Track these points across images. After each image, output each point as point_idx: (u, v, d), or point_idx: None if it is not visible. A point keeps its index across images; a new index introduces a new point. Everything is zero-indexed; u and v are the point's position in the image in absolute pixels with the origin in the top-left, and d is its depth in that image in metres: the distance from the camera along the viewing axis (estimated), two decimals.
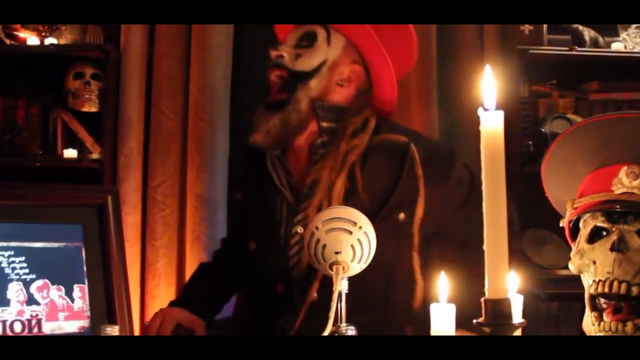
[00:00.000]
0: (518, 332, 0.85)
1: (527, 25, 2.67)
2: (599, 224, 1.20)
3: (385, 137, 1.62)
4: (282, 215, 1.64)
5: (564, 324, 2.58)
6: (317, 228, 1.19)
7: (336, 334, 1.12)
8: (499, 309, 0.75)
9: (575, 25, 2.76)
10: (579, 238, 1.25)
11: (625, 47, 2.75)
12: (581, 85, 2.84)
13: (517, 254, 2.61)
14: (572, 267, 1.24)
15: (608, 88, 2.79)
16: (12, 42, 2.85)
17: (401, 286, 1.61)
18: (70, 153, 2.77)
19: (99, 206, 1.73)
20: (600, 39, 2.79)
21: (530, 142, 2.73)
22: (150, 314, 2.71)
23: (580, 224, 1.25)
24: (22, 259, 1.59)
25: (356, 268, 1.19)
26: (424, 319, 1.07)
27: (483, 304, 0.76)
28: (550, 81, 2.85)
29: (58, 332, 1.57)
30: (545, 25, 2.69)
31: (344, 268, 1.17)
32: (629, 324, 1.13)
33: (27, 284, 1.58)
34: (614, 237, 1.17)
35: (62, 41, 2.85)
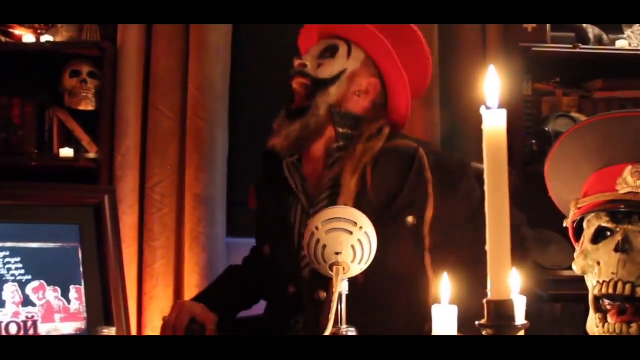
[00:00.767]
0: (521, 334, 0.85)
1: None
2: (603, 224, 1.20)
3: (397, 142, 1.71)
4: (296, 219, 1.69)
5: (568, 326, 2.58)
6: (317, 228, 1.19)
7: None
8: (502, 310, 0.75)
9: None
10: (582, 238, 1.25)
11: (630, 45, 2.75)
12: (585, 84, 2.84)
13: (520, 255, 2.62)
14: (576, 268, 1.24)
15: (612, 86, 2.79)
16: (8, 39, 2.85)
17: (416, 285, 1.61)
18: (67, 152, 2.77)
19: (95, 206, 1.73)
20: (605, 37, 2.79)
21: (534, 141, 2.73)
22: (147, 316, 2.72)
23: (584, 224, 1.25)
24: (18, 259, 1.59)
25: (357, 269, 1.19)
26: None
27: (485, 305, 0.76)
28: (554, 79, 2.85)
29: (54, 334, 1.57)
30: None
31: (344, 269, 1.17)
32: (634, 326, 1.13)
33: (22, 285, 1.58)
34: (619, 237, 1.17)
35: (59, 39, 2.85)
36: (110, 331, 1.25)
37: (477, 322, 0.78)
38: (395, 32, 1.75)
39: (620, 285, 1.14)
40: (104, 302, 1.66)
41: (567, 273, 2.61)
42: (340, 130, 1.71)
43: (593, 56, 2.72)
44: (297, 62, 1.72)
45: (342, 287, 1.16)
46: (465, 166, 1.72)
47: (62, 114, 2.83)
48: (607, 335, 1.15)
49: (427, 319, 1.59)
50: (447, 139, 2.78)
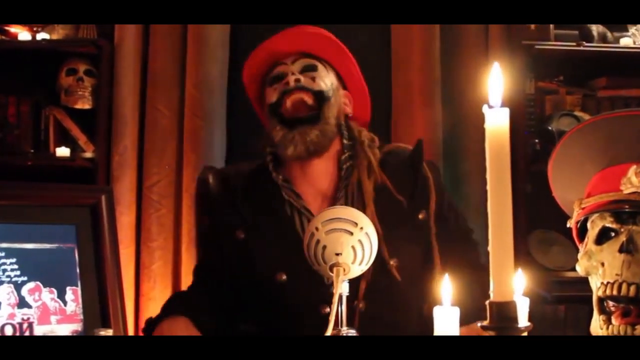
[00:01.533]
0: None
1: None
2: (607, 225, 1.20)
3: (389, 147, 1.83)
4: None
5: (571, 328, 2.58)
6: (317, 229, 1.19)
7: None
8: (505, 311, 0.75)
9: None
10: (586, 239, 1.24)
11: (634, 43, 2.75)
12: (589, 82, 2.84)
13: (523, 256, 2.62)
14: (580, 269, 1.24)
15: (616, 84, 2.79)
16: (3, 37, 2.85)
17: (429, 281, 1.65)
18: (63, 151, 2.77)
19: (92, 206, 1.73)
20: (609, 34, 2.79)
21: (537, 141, 2.73)
22: (145, 318, 2.72)
23: (588, 225, 1.25)
24: (14, 260, 1.59)
25: (357, 270, 1.19)
26: None
27: (488, 306, 0.76)
28: (557, 77, 2.85)
29: None
30: None
31: (344, 270, 1.17)
32: (638, 328, 1.13)
33: (18, 287, 1.58)
34: (623, 238, 1.17)
35: (55, 36, 2.85)
36: (107, 333, 1.25)
37: (479, 324, 0.78)
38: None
39: (624, 286, 1.13)
40: (100, 303, 1.66)
41: (570, 274, 2.61)
42: (345, 141, 1.76)
43: (597, 54, 2.72)
44: (291, 78, 1.73)
45: (342, 289, 1.16)
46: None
47: (59, 113, 2.83)
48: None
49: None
50: (448, 138, 2.78)
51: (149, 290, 2.73)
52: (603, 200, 1.21)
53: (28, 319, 1.56)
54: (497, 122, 0.76)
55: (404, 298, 1.64)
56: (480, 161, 2.59)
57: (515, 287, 1.05)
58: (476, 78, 2.63)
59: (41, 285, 1.60)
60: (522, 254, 2.62)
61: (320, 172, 1.75)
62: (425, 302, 1.66)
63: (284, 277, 1.61)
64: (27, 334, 1.55)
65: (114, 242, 1.74)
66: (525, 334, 0.79)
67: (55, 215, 1.69)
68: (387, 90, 2.80)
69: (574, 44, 2.68)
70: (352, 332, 1.15)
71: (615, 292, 1.14)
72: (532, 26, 2.68)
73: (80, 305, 1.63)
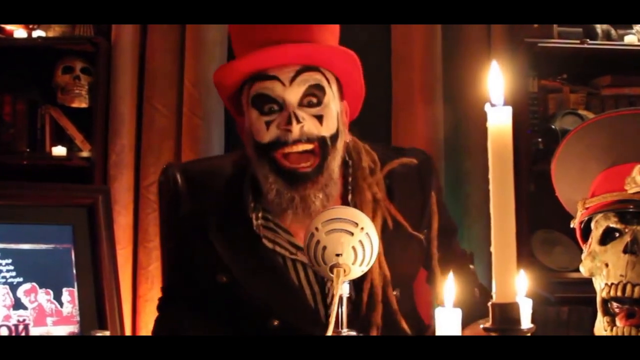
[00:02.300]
0: None
1: None
2: (611, 225, 1.20)
3: (395, 165, 1.57)
4: (301, 280, 1.51)
5: (575, 329, 2.58)
6: (317, 229, 1.19)
7: None
8: (507, 313, 0.75)
9: None
10: (590, 239, 1.25)
11: (639, 40, 2.75)
12: (593, 80, 2.85)
13: (526, 256, 2.63)
14: (584, 270, 1.24)
15: (621, 83, 2.80)
16: None
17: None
18: (59, 151, 2.77)
19: (89, 206, 1.73)
20: (613, 32, 2.79)
21: (540, 140, 2.73)
22: (142, 319, 2.72)
23: (592, 225, 1.25)
24: (9, 261, 1.58)
25: (358, 271, 1.19)
26: None
27: (490, 308, 0.76)
28: (561, 75, 2.85)
29: None
30: None
31: (345, 271, 1.16)
32: None
33: (14, 288, 1.57)
34: (627, 238, 1.17)
35: (51, 34, 2.85)
36: (104, 335, 1.25)
37: (481, 326, 0.78)
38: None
39: (629, 287, 1.13)
40: (97, 305, 1.66)
41: (574, 275, 2.61)
42: (350, 179, 1.54)
43: (601, 52, 2.73)
44: (295, 127, 1.40)
45: (342, 290, 1.16)
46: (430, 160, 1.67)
47: (55, 112, 2.83)
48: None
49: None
50: (450, 137, 2.78)
51: (146, 291, 2.73)
52: (607, 200, 1.21)
53: (24, 320, 1.56)
54: (499, 120, 0.76)
55: (401, 328, 1.52)
56: (483, 160, 2.59)
57: (518, 288, 1.05)
58: (478, 76, 2.63)
59: (37, 286, 1.60)
60: (525, 254, 2.62)
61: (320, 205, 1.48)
62: (427, 330, 1.61)
63: (276, 322, 1.48)
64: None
65: (111, 243, 1.74)
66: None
67: (52, 216, 1.69)
68: (387, 88, 2.80)
69: (578, 41, 2.68)
70: (353, 334, 1.15)
71: (619, 293, 1.14)
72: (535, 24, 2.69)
73: (77, 307, 1.63)
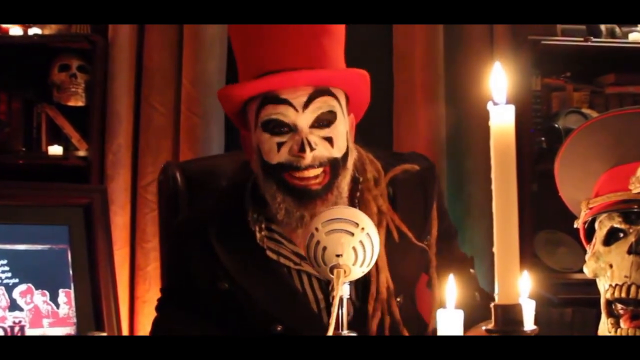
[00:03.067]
0: None
1: None
2: (615, 225, 1.20)
3: (397, 171, 1.57)
4: (305, 287, 1.51)
5: (579, 331, 2.58)
6: (317, 229, 1.19)
7: None
8: (510, 315, 0.75)
9: None
10: (594, 240, 1.25)
11: None
12: (597, 78, 2.85)
13: (529, 257, 2.63)
14: (587, 271, 1.24)
15: (625, 81, 2.80)
16: None
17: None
18: (56, 150, 2.77)
19: (85, 206, 1.74)
20: (617, 29, 2.79)
21: (543, 139, 2.73)
22: (140, 321, 2.72)
23: (596, 225, 1.25)
24: (5, 262, 1.59)
25: (358, 272, 1.19)
26: None
27: (493, 309, 0.76)
28: (564, 74, 2.85)
29: None
30: None
31: (345, 272, 1.16)
32: None
33: (9, 289, 1.58)
34: (632, 239, 1.17)
35: (47, 31, 2.85)
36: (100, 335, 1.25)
37: (484, 327, 0.78)
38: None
39: (633, 288, 1.14)
40: (94, 306, 1.66)
41: (578, 276, 2.61)
42: (358, 194, 1.54)
43: (605, 49, 2.73)
44: (308, 155, 1.39)
45: (343, 291, 1.16)
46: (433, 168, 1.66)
47: (51, 110, 2.83)
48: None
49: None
50: (452, 136, 2.78)
51: (144, 292, 2.73)
52: (611, 200, 1.21)
53: (19, 322, 1.56)
54: (502, 119, 0.76)
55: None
56: (485, 160, 2.57)
57: (521, 289, 1.05)
58: (481, 74, 2.63)
59: (33, 287, 1.60)
60: (528, 255, 2.62)
61: None
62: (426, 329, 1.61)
63: (279, 328, 1.48)
64: None
65: (108, 243, 1.74)
66: None
67: (48, 216, 1.69)
68: (388, 86, 2.80)
69: (582, 39, 2.68)
70: (353, 335, 1.15)
71: (624, 295, 1.14)
72: None
73: (73, 308, 1.63)
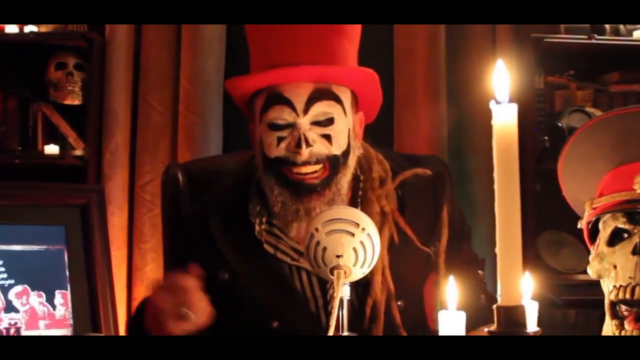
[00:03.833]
0: None
1: None
2: (619, 226, 1.20)
3: (408, 175, 1.57)
4: (303, 284, 1.52)
5: (582, 333, 2.58)
6: (316, 230, 1.19)
7: None
8: (513, 316, 0.75)
9: None
10: (598, 240, 1.24)
11: None
12: (601, 76, 2.85)
13: (532, 258, 2.63)
14: (591, 272, 1.24)
15: (629, 79, 2.79)
16: None
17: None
18: (52, 149, 2.77)
19: (82, 206, 1.74)
20: (621, 27, 2.79)
21: (546, 138, 2.73)
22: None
23: (600, 226, 1.25)
24: (0, 263, 1.59)
25: (359, 273, 1.19)
26: None
27: (495, 311, 0.76)
28: (568, 72, 2.85)
29: None
30: None
31: (345, 273, 1.16)
32: None
33: (5, 290, 1.58)
34: (636, 239, 1.17)
35: (43, 29, 2.85)
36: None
37: (486, 329, 0.78)
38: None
39: (638, 290, 1.14)
40: (91, 307, 1.66)
41: (581, 277, 2.61)
42: (360, 192, 1.55)
43: (609, 47, 2.73)
44: (305, 151, 1.42)
45: (343, 292, 1.16)
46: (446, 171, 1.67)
47: (47, 109, 2.83)
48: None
49: None
50: (454, 135, 2.78)
51: (141, 293, 2.73)
52: (615, 200, 1.21)
53: (15, 323, 1.56)
54: (505, 118, 0.76)
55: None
56: (487, 159, 2.58)
57: (524, 290, 1.05)
58: (483, 72, 2.63)
59: (29, 288, 1.60)
60: (531, 256, 2.62)
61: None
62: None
63: (276, 324, 1.49)
64: None
65: (105, 244, 1.74)
66: None
67: (44, 216, 1.69)
68: (389, 84, 2.80)
69: (585, 36, 2.68)
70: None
71: (628, 296, 1.14)
72: None
73: (70, 310, 1.63)
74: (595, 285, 1.25)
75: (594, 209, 1.25)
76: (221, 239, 1.52)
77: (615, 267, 1.18)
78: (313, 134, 1.44)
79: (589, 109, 2.71)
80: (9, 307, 1.56)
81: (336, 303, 1.13)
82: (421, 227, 1.54)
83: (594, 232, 1.27)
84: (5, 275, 1.58)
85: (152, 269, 2.74)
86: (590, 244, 1.28)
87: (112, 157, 2.77)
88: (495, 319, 0.76)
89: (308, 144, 1.42)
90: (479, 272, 1.63)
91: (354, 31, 1.54)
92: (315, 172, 1.45)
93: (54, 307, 1.61)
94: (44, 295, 1.61)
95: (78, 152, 2.80)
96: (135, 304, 2.74)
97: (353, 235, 1.17)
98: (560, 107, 2.80)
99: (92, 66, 2.80)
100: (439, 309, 1.16)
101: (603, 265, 1.21)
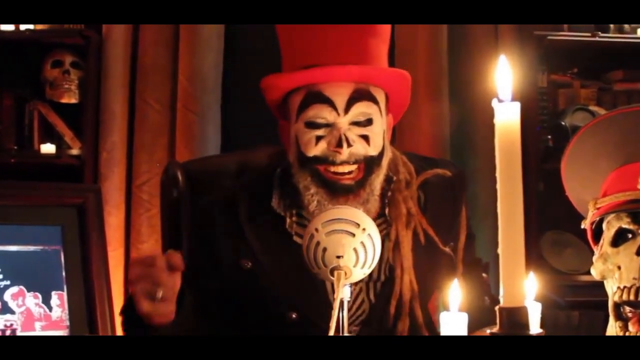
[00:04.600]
0: None
1: None
2: (624, 226, 1.20)
3: (429, 175, 1.62)
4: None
5: (586, 335, 2.58)
6: (316, 230, 1.19)
7: None
8: (515, 318, 0.75)
9: None
10: (602, 241, 1.25)
11: None
12: (604, 75, 2.85)
13: (535, 258, 2.63)
14: (595, 273, 1.24)
15: (633, 77, 2.80)
16: None
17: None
18: (48, 148, 2.77)
19: (79, 206, 1.73)
20: (626, 25, 2.79)
21: (549, 137, 2.73)
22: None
23: (604, 226, 1.25)
24: None
25: (359, 274, 1.19)
26: None
27: (498, 312, 0.76)
28: (571, 70, 2.85)
29: None
30: None
31: (346, 274, 1.17)
32: None
33: (0, 291, 1.58)
34: None
35: (39, 26, 2.84)
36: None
37: (488, 331, 0.78)
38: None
39: None
40: (87, 309, 1.66)
41: (585, 278, 2.61)
42: (389, 193, 1.58)
43: (613, 45, 2.73)
44: (345, 151, 1.44)
45: (343, 293, 1.16)
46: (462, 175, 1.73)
47: (43, 107, 2.83)
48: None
49: None
50: (456, 134, 2.78)
51: None
52: (619, 200, 1.21)
53: (11, 325, 1.56)
54: (507, 117, 0.76)
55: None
56: (490, 158, 2.59)
57: (527, 291, 1.06)
58: (485, 70, 2.63)
59: (25, 289, 1.60)
60: (534, 256, 2.62)
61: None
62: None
63: (294, 315, 1.53)
64: None
65: (102, 244, 1.74)
66: None
67: (40, 216, 1.69)
68: None
69: (589, 34, 2.68)
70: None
71: (632, 297, 1.14)
72: None
73: (66, 311, 1.63)
74: (599, 286, 1.25)
75: (598, 209, 1.25)
76: (248, 228, 1.55)
77: (619, 268, 1.18)
78: (352, 134, 1.46)
79: (592, 108, 2.71)
80: (5, 309, 1.56)
81: (336, 304, 1.13)
82: (441, 227, 1.58)
83: (597, 232, 1.27)
84: (0, 276, 1.58)
85: None
86: (594, 245, 1.28)
87: (109, 156, 2.77)
88: (498, 321, 0.76)
89: (349, 144, 1.45)
90: (483, 274, 1.65)
91: (387, 32, 1.57)
92: (351, 172, 1.47)
93: (50, 308, 1.61)
94: (40, 296, 1.61)
95: (74, 151, 2.80)
96: None
97: (354, 235, 1.18)
98: (563, 105, 2.80)
99: (88, 64, 2.80)
100: (441, 310, 1.17)
101: (607, 266, 1.21)
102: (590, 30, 2.70)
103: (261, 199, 1.58)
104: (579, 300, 2.61)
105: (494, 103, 0.77)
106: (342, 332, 1.15)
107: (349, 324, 1.50)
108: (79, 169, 2.77)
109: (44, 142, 2.79)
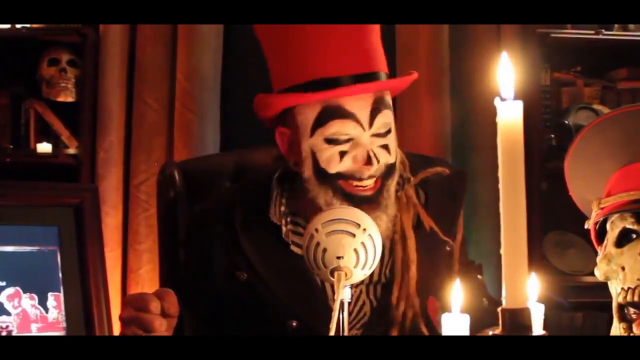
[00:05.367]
0: None
1: None
2: (628, 226, 1.20)
3: (427, 174, 1.62)
4: (325, 285, 1.54)
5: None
6: (316, 230, 1.19)
7: None
8: (518, 319, 0.75)
9: None
10: (605, 241, 1.24)
11: None
12: (608, 73, 2.85)
13: (538, 259, 2.63)
14: (599, 274, 1.24)
15: (638, 75, 2.80)
16: None
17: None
18: (45, 147, 2.77)
19: (76, 206, 1.73)
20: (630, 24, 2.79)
21: (553, 136, 2.73)
22: None
23: (608, 226, 1.25)
24: None
25: (360, 274, 1.19)
26: None
27: (500, 313, 0.76)
28: (575, 68, 2.85)
29: None
30: None
31: (346, 275, 1.17)
32: None
33: None
34: None
35: (36, 24, 2.84)
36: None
37: (490, 332, 0.78)
38: None
39: None
40: (84, 310, 1.66)
41: (588, 279, 2.61)
42: (398, 194, 1.57)
43: (617, 43, 2.73)
44: (373, 169, 1.43)
45: (343, 295, 1.16)
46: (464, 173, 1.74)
47: (40, 106, 2.83)
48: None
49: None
50: (457, 133, 2.78)
51: None
52: (623, 200, 1.21)
53: (7, 327, 1.56)
54: (510, 115, 0.76)
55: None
56: (492, 157, 2.58)
57: (529, 292, 1.06)
58: (487, 68, 2.62)
59: (21, 290, 1.60)
60: (537, 257, 2.62)
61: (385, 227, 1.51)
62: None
63: (295, 323, 1.51)
64: None
65: (99, 245, 1.74)
66: None
67: (36, 216, 1.69)
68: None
69: (593, 32, 2.68)
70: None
71: (636, 298, 1.14)
72: None
73: (63, 312, 1.63)
74: (603, 287, 1.25)
75: (602, 209, 1.25)
76: (244, 238, 1.52)
77: (623, 268, 1.18)
78: (376, 148, 1.45)
79: (596, 106, 2.71)
80: (0, 310, 1.56)
81: (336, 305, 1.13)
82: (441, 226, 1.57)
83: (601, 232, 1.27)
84: None
85: (147, 271, 2.74)
86: (598, 245, 1.28)
87: (106, 155, 2.77)
88: (500, 322, 0.76)
89: (378, 160, 1.44)
90: (478, 276, 1.65)
91: (379, 29, 1.56)
92: (371, 183, 1.46)
93: (46, 309, 1.61)
94: (36, 297, 1.61)
95: (71, 151, 2.80)
96: None
97: (354, 236, 1.17)
98: (567, 104, 2.80)
99: (85, 62, 2.80)
100: (442, 312, 1.17)
101: (611, 267, 1.21)
102: (594, 27, 2.70)
103: (257, 207, 1.55)
104: (583, 301, 2.61)
105: (496, 101, 0.77)
106: (343, 334, 1.15)
107: (351, 328, 1.51)
108: (76, 168, 2.77)
109: (41, 141, 2.79)
